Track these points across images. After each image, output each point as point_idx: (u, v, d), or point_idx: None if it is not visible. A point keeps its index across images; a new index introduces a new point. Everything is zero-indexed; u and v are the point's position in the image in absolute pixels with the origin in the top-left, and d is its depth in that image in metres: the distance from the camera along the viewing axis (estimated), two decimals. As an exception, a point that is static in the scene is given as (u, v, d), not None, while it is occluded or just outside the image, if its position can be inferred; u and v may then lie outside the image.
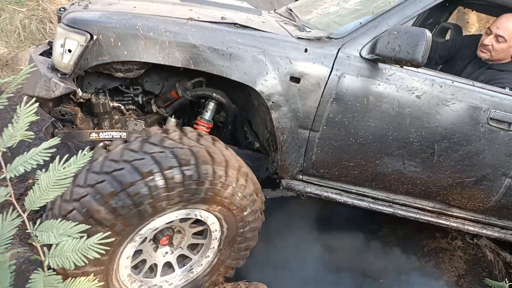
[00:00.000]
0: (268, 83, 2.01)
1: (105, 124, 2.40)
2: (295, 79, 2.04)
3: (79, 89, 2.12)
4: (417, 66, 1.93)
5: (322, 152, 2.23)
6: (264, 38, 2.03)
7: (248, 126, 2.62)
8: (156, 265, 2.14)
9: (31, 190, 1.34)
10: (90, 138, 2.26)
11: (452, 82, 2.17)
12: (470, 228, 2.48)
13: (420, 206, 2.48)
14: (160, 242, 2.07)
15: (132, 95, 2.43)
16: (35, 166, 1.29)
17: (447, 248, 3.21)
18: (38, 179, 1.34)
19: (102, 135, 2.27)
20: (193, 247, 2.21)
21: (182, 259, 2.20)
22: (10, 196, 1.29)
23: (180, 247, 2.16)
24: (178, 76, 2.35)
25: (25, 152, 1.33)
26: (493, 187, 2.37)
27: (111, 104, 2.34)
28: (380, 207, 2.38)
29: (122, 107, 2.41)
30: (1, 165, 1.27)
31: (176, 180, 1.78)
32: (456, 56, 2.81)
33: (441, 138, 2.20)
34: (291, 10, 2.68)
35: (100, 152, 1.96)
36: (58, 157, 1.35)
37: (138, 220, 1.80)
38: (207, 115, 2.34)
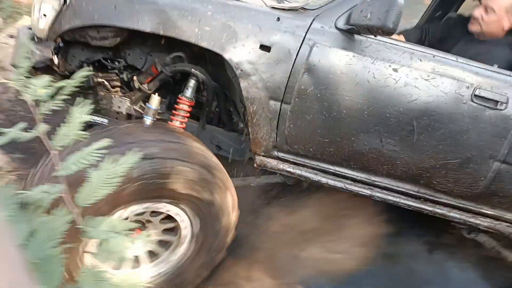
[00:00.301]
0: (236, 51, 1.98)
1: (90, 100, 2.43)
2: (266, 48, 2.00)
3: (55, 56, 2.16)
4: (388, 33, 1.85)
5: (295, 126, 2.17)
6: (235, 7, 2.01)
7: (233, 107, 2.60)
8: None
9: (82, 187, 1.39)
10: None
11: (433, 56, 2.07)
12: (457, 216, 2.33)
13: (404, 190, 2.36)
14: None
15: (117, 71, 2.46)
16: (87, 166, 1.33)
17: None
18: (89, 177, 1.38)
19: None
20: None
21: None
22: (63, 193, 1.34)
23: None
24: (161, 52, 2.36)
25: (77, 151, 1.39)
26: (480, 170, 2.23)
27: (95, 79, 2.38)
28: (357, 189, 2.28)
29: (107, 83, 2.44)
30: (56, 162, 1.33)
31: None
32: (448, 36, 2.69)
33: (420, 114, 2.10)
34: None
35: None
36: (107, 157, 1.39)
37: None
38: (188, 92, 2.33)
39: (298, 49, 2.01)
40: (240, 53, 1.99)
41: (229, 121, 2.67)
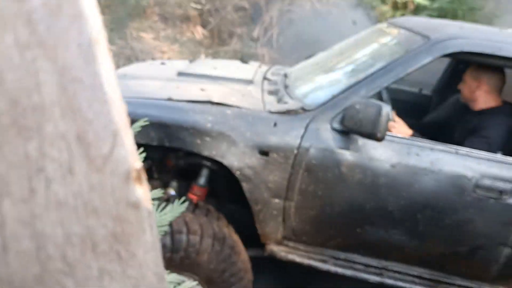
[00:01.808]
0: (236, 158, 2.10)
1: None
2: (264, 153, 2.11)
3: None
4: (378, 140, 1.91)
5: (301, 220, 2.24)
6: (234, 114, 2.14)
7: None
8: None
9: None
10: None
11: (431, 150, 2.09)
12: (471, 300, 2.30)
13: (416, 273, 2.36)
14: None
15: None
16: None
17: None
18: None
19: None
20: None
21: None
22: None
23: None
24: None
25: None
26: (490, 257, 2.20)
27: None
28: (367, 276, 2.31)
29: None
30: None
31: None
32: (454, 111, 2.71)
33: (422, 207, 2.12)
34: (286, 75, 2.76)
35: None
36: (156, 204, 1.46)
37: None
38: (201, 180, 2.47)
39: (295, 151, 2.10)
40: (240, 160, 2.10)
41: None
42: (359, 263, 2.37)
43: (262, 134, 2.10)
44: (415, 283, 2.34)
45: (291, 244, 2.37)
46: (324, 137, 2.10)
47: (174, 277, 1.49)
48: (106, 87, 0.35)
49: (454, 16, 5.89)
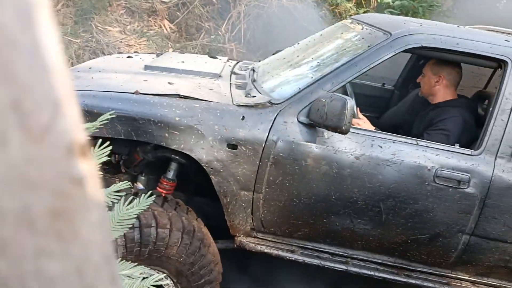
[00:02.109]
0: (204, 151, 2.12)
1: None
2: (232, 146, 2.13)
3: None
4: (342, 133, 1.98)
5: (269, 212, 2.28)
6: (202, 108, 2.15)
7: None
8: None
9: None
10: None
11: (393, 142, 2.18)
12: (430, 285, 2.40)
13: (380, 261, 2.45)
14: None
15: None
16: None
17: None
18: None
19: None
20: None
21: None
22: None
23: None
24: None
25: None
26: (450, 244, 2.31)
27: None
28: (333, 264, 2.38)
29: None
30: None
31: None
32: (414, 105, 2.82)
33: (385, 197, 2.20)
34: (254, 70, 2.79)
35: None
36: (123, 198, 1.43)
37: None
38: (170, 174, 2.46)
39: (263, 144, 2.13)
40: (209, 153, 2.12)
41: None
42: (326, 252, 2.43)
43: (230, 127, 2.13)
44: (378, 271, 2.43)
45: (259, 235, 2.41)
46: (291, 130, 2.15)
47: (141, 269, 1.48)
48: (47, 54, 0.34)
49: (414, 13, 6.09)
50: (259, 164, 2.16)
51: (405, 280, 2.39)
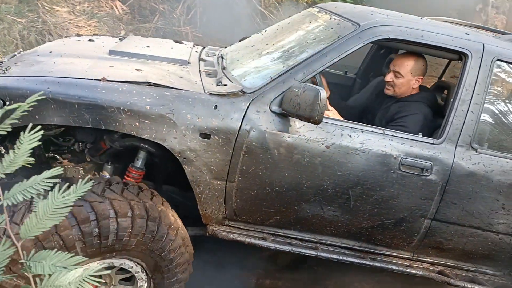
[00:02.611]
0: (177, 141, 2.08)
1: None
2: (205, 135, 2.10)
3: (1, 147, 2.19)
4: (315, 123, 2.01)
5: (241, 201, 2.29)
6: (173, 96, 2.10)
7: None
8: None
9: (28, 218, 1.32)
10: None
11: (362, 132, 2.24)
12: (394, 267, 2.52)
13: (348, 245, 2.53)
14: None
15: (67, 146, 2.50)
16: (34, 195, 1.29)
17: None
18: (35, 207, 1.32)
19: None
20: None
21: None
22: (6, 224, 1.27)
23: None
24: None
25: (24, 180, 1.32)
26: (413, 228, 2.43)
27: (46, 155, 2.42)
28: (303, 250, 2.43)
29: (58, 156, 2.48)
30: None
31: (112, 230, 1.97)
32: (375, 97, 2.89)
33: (354, 184, 2.27)
34: (222, 57, 2.75)
35: None
36: (58, 185, 1.33)
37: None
38: (138, 163, 2.39)
39: (236, 134, 2.12)
40: (182, 142, 2.08)
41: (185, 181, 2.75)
42: (296, 239, 2.48)
43: (203, 116, 2.10)
44: (346, 255, 2.51)
45: (231, 223, 2.42)
46: (264, 119, 2.15)
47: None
48: None
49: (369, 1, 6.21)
50: (232, 153, 2.15)
51: (370, 263, 2.50)
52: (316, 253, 2.44)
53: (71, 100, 2.01)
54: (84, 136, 2.48)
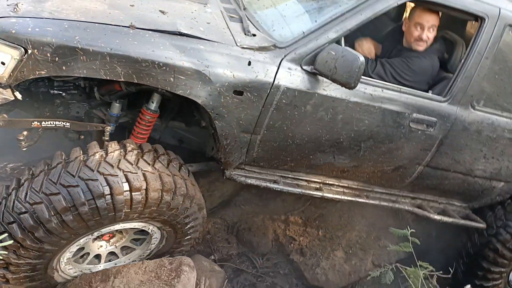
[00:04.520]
0: (211, 97, 2.07)
1: (47, 110, 2.38)
2: (239, 92, 2.11)
3: (17, 93, 2.05)
4: (350, 88, 2.08)
5: (263, 151, 2.40)
6: (207, 51, 2.03)
7: (195, 108, 2.68)
8: (88, 253, 2.35)
9: None
10: (32, 126, 2.26)
11: (382, 90, 2.35)
12: (385, 204, 2.86)
13: (346, 185, 2.80)
14: (102, 237, 2.29)
15: (73, 83, 2.38)
16: None
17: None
18: None
19: (44, 124, 2.28)
20: (124, 248, 2.44)
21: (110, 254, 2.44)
22: None
23: (115, 245, 2.38)
24: None
25: None
26: (408, 173, 2.73)
27: (51, 92, 2.30)
28: (311, 192, 2.66)
29: (63, 93, 2.37)
30: None
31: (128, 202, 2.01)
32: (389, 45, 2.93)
33: (367, 138, 2.45)
34: None
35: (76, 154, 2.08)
36: None
37: (108, 222, 2.06)
38: (153, 105, 2.36)
39: (268, 91, 2.14)
40: (216, 99, 2.08)
41: (191, 117, 2.76)
42: (303, 180, 2.69)
43: (237, 73, 2.07)
44: (344, 194, 2.79)
45: (247, 167, 2.55)
46: (295, 78, 2.17)
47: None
48: None
49: None
50: (261, 109, 2.19)
51: (366, 201, 2.81)
52: (322, 194, 2.68)
53: (103, 51, 1.89)
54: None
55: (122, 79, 1.96)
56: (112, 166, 2.03)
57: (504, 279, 3.27)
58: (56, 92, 2.34)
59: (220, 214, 3.31)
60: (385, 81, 2.44)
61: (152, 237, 2.36)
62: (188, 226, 2.34)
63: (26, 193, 1.95)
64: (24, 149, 2.29)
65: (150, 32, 1.99)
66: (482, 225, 3.05)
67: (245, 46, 2.12)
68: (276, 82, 2.14)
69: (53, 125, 2.32)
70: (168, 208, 2.15)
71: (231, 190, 3.36)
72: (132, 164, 2.08)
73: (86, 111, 2.51)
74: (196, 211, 2.31)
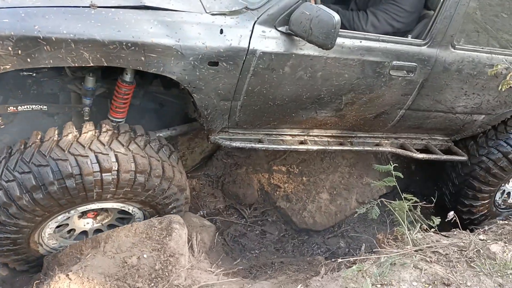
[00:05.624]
0: (186, 72, 2.01)
1: (20, 91, 2.32)
2: (213, 63, 2.05)
3: None
4: (327, 49, 2.03)
5: (244, 115, 2.39)
6: (176, 23, 1.94)
7: None
8: (74, 230, 2.43)
9: None
10: (8, 111, 2.22)
11: (360, 42, 2.29)
12: (369, 148, 2.92)
13: (331, 134, 2.83)
14: (87, 214, 2.36)
15: None
16: None
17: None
18: None
19: (21, 108, 2.24)
20: (111, 226, 2.49)
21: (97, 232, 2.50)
22: None
23: (102, 223, 2.45)
24: None
25: None
26: (389, 117, 2.75)
27: (21, 74, 2.24)
28: (295, 146, 2.68)
29: (33, 73, 2.29)
30: None
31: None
32: None
33: (348, 91, 2.43)
34: None
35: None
36: None
37: (80, 201, 2.13)
38: (128, 77, 2.28)
39: (244, 58, 2.08)
40: (191, 73, 2.03)
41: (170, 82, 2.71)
42: (288, 135, 2.71)
43: (210, 44, 2.00)
44: (329, 143, 2.83)
45: (231, 130, 2.55)
46: (270, 41, 2.10)
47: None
48: None
49: None
50: (239, 77, 2.15)
51: (350, 148, 2.86)
52: (307, 147, 2.72)
53: (66, 38, 1.79)
54: None
55: (92, 64, 1.88)
56: (83, 146, 2.04)
57: (491, 198, 3.42)
58: (26, 73, 2.26)
59: (203, 170, 3.37)
60: (380, 30, 2.38)
61: (135, 218, 2.42)
62: (170, 207, 2.39)
63: (2, 171, 2.02)
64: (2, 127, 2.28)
65: (113, 9, 1.89)
66: (464, 157, 3.14)
67: (215, 12, 2.02)
68: (251, 47, 2.07)
69: (30, 109, 2.28)
70: (143, 189, 2.19)
71: (211, 146, 3.37)
72: (104, 145, 2.08)
73: (60, 87, 2.45)
74: (176, 192, 2.34)
